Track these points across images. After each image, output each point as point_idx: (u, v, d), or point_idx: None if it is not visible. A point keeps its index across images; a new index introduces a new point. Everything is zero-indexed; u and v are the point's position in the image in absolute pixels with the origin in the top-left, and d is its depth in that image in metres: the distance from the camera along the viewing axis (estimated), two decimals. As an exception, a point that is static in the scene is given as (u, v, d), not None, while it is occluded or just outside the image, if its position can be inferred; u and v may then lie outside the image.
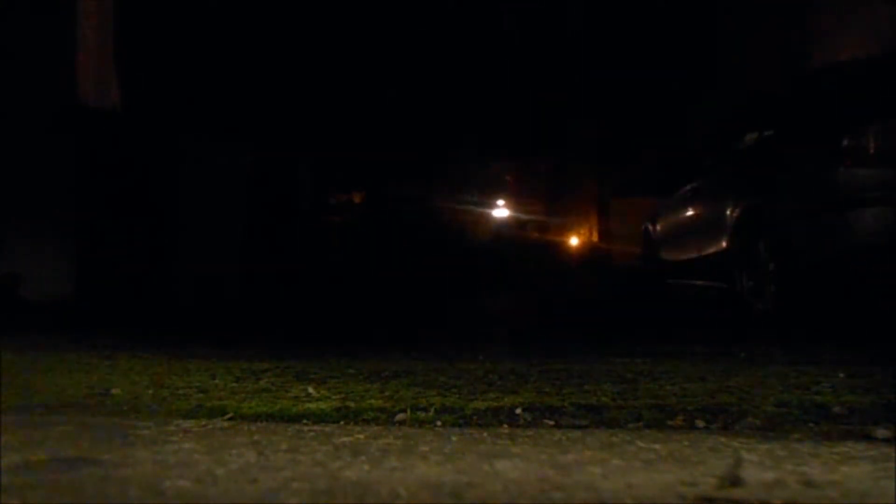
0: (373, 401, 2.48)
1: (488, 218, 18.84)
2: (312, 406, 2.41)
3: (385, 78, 13.84)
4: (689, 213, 6.88)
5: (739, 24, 10.91)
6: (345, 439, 1.94)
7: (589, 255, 15.04)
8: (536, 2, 13.86)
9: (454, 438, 1.97)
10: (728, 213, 5.77)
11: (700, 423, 2.20)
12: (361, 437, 1.98)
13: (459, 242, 15.17)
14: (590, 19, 13.36)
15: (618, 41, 13.23)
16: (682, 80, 11.95)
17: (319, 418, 2.28)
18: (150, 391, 2.68)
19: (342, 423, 2.24)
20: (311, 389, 2.68)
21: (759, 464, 1.69)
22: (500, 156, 18.41)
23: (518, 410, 2.34)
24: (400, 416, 2.30)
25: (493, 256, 15.14)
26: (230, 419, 2.28)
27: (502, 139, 17.02)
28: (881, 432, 2.03)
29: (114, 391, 2.67)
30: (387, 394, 2.60)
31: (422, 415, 2.30)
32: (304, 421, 2.25)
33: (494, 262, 13.88)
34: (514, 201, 19.08)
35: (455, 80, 14.67)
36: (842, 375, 2.79)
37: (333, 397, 2.55)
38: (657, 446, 1.87)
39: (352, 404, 2.42)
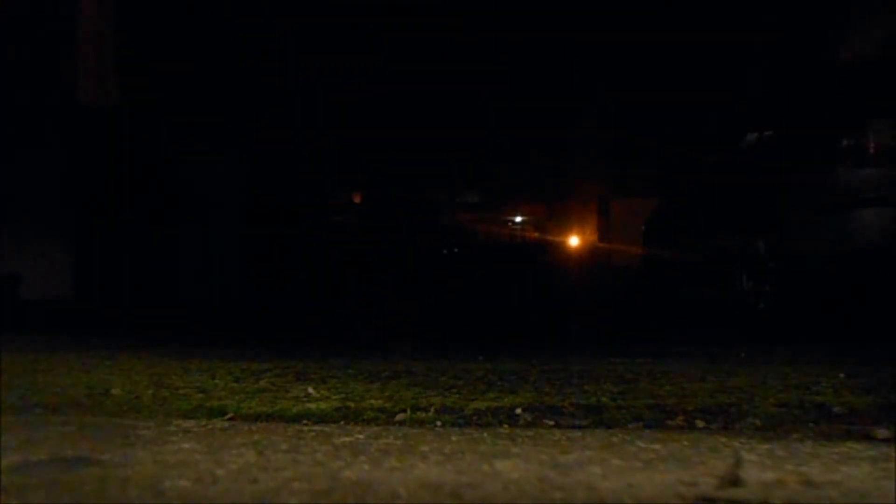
0: (373, 401, 2.48)
1: (488, 219, 18.83)
2: (312, 406, 2.41)
3: (381, 81, 13.83)
4: (690, 213, 6.88)
5: (739, 26, 10.90)
6: (345, 439, 1.94)
7: (589, 255, 15.02)
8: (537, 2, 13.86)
9: (454, 438, 1.97)
10: (728, 213, 5.77)
11: (700, 423, 2.20)
12: (361, 437, 1.98)
13: (459, 243, 15.16)
14: (592, 20, 13.35)
15: (619, 41, 13.22)
16: (683, 80, 11.95)
17: (319, 418, 2.28)
18: (150, 391, 2.68)
19: (342, 423, 2.24)
20: (311, 389, 2.68)
21: (759, 464, 1.69)
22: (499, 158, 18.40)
23: (518, 410, 2.34)
24: (400, 416, 2.30)
25: (493, 257, 15.13)
26: (230, 419, 2.28)
27: (502, 141, 17.01)
28: (881, 432, 2.03)
29: (114, 391, 2.67)
30: (387, 394, 2.60)
31: (422, 415, 2.30)
32: (304, 421, 2.25)
33: (494, 263, 13.86)
34: (515, 202, 19.07)
35: (453, 80, 14.66)
36: (842, 375, 2.79)
37: (333, 397, 2.55)
38: (657, 446, 1.86)
39: (352, 404, 2.42)
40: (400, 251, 12.64)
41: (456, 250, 14.24)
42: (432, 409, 2.35)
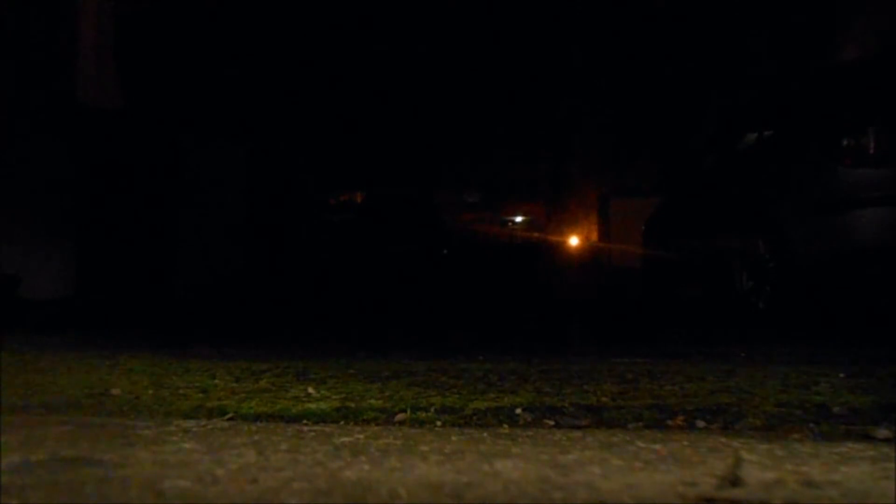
0: (373, 401, 2.48)
1: (488, 219, 18.83)
2: (312, 406, 2.41)
3: (381, 76, 13.83)
4: (689, 213, 6.88)
5: (738, 25, 10.91)
6: (345, 439, 1.94)
7: (589, 255, 15.02)
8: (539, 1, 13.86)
9: (454, 438, 1.97)
10: (728, 212, 5.76)
11: (700, 423, 2.20)
12: (361, 437, 1.98)
13: (459, 243, 15.16)
14: (593, 19, 13.35)
15: (620, 41, 13.23)
16: (683, 80, 11.95)
17: (319, 418, 2.28)
18: (150, 391, 2.68)
19: (342, 423, 2.24)
20: (311, 389, 2.68)
21: (759, 464, 1.69)
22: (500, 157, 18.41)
23: (518, 410, 2.33)
24: (400, 416, 2.30)
25: (493, 257, 15.14)
26: (230, 419, 2.28)
27: (501, 139, 17.02)
28: (881, 432, 2.03)
29: (114, 391, 2.67)
30: (387, 394, 2.60)
31: (422, 415, 2.30)
32: (304, 421, 2.25)
33: (494, 263, 13.87)
34: (515, 202, 19.08)
35: (454, 79, 14.65)
36: (842, 375, 2.79)
37: (333, 397, 2.55)
38: (657, 446, 1.86)
39: (352, 404, 2.42)
40: (400, 250, 12.64)
41: (456, 250, 14.23)
42: (432, 409, 2.35)
